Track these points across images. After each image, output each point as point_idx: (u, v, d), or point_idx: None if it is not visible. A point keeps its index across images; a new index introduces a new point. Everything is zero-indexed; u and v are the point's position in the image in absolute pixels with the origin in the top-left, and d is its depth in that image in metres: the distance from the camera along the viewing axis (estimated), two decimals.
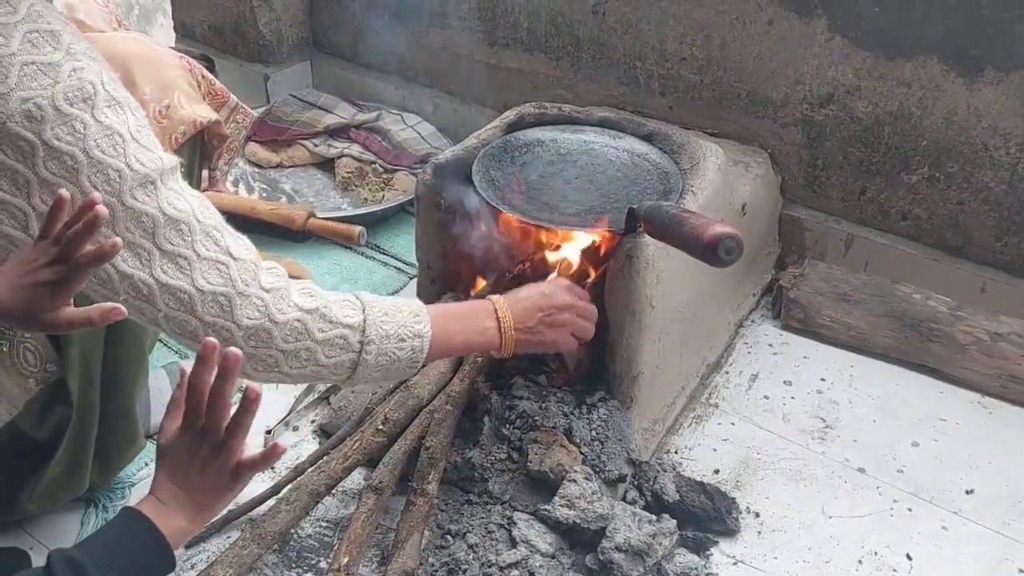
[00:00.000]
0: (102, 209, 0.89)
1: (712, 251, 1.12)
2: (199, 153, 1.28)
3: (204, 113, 1.22)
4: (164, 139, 1.16)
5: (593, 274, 1.57)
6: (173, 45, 2.61)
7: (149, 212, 0.97)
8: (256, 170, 2.22)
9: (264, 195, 2.16)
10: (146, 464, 1.47)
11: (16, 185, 0.93)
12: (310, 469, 1.33)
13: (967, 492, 1.48)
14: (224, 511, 1.35)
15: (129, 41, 1.22)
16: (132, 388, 1.32)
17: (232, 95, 1.36)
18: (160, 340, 1.71)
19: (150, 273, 0.98)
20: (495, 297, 1.26)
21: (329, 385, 1.62)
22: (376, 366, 1.12)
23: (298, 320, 1.06)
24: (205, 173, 1.39)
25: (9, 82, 0.91)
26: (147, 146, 0.98)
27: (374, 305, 1.12)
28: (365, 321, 1.10)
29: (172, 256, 0.99)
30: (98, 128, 0.95)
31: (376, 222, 2.07)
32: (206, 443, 0.94)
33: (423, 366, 1.18)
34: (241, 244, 1.04)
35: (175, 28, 2.70)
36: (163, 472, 0.95)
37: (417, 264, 1.66)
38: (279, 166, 2.24)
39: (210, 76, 1.32)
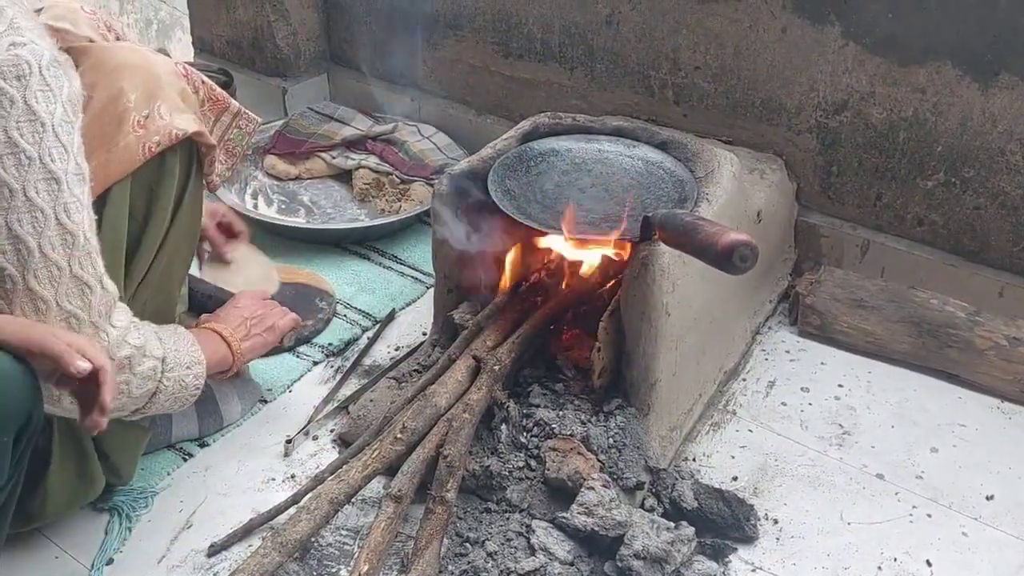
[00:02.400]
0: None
1: (727, 258, 1.12)
2: (196, 163, 1.29)
3: (182, 124, 1.21)
4: (139, 147, 1.17)
5: (609, 282, 1.58)
6: (192, 60, 2.64)
7: (44, 210, 0.99)
8: (275, 183, 2.25)
9: (283, 207, 2.18)
10: (168, 474, 1.49)
11: None
12: (330, 478, 1.34)
13: (987, 498, 1.47)
14: (246, 520, 1.38)
15: (122, 50, 1.23)
16: None
17: (234, 101, 1.36)
18: None
19: (22, 273, 1.00)
20: (212, 325, 1.42)
21: (347, 396, 1.64)
22: (169, 395, 1.22)
23: (127, 356, 1.12)
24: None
25: None
26: (64, 143, 1.00)
27: (164, 335, 1.20)
28: (164, 351, 1.19)
29: (48, 263, 1.01)
30: (24, 110, 0.96)
31: (393, 232, 2.08)
32: None
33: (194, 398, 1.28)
34: (109, 277, 1.07)
35: (193, 43, 2.73)
36: None
37: (434, 274, 1.67)
38: (297, 178, 2.26)
39: (210, 82, 1.32)
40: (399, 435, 1.36)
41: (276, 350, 1.62)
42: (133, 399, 1.18)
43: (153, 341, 1.18)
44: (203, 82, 1.31)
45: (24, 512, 1.29)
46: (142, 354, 1.16)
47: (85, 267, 1.04)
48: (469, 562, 1.31)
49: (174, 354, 1.22)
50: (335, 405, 1.63)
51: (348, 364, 1.72)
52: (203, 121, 1.27)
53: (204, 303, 1.62)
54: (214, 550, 1.36)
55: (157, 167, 1.20)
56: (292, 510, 1.34)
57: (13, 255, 0.99)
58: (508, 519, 1.37)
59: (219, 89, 1.34)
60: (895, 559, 1.37)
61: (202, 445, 1.54)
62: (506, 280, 1.60)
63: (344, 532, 1.39)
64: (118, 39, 1.35)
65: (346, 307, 1.88)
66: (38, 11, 1.27)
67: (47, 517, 1.32)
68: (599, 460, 1.40)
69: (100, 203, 1.15)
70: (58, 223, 1.00)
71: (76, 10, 1.31)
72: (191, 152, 1.26)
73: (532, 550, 1.32)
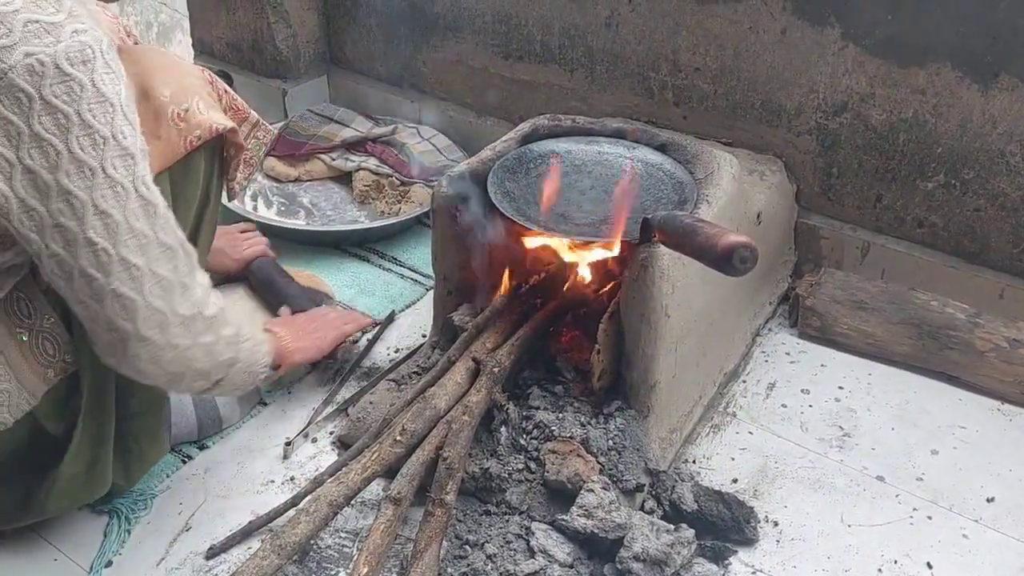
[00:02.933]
0: None
1: (726, 260, 1.12)
2: (218, 164, 1.30)
3: (221, 120, 1.24)
4: (180, 141, 1.19)
5: (608, 284, 1.58)
6: (193, 62, 2.65)
7: (125, 185, 1.05)
8: (274, 184, 2.25)
9: (282, 209, 2.18)
10: (167, 476, 1.49)
11: (7, 136, 0.99)
12: (329, 480, 1.34)
13: (988, 500, 1.47)
14: (245, 522, 1.38)
15: (150, 51, 1.26)
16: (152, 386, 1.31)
17: (253, 112, 1.38)
18: None
19: (114, 246, 1.06)
20: (266, 323, 1.50)
21: (346, 398, 1.64)
22: (244, 367, 1.27)
23: (213, 315, 1.18)
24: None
25: (13, 36, 0.98)
26: (131, 121, 1.05)
27: (232, 310, 1.27)
28: (239, 322, 1.25)
29: (136, 233, 1.07)
30: (94, 93, 1.01)
31: (393, 234, 2.08)
32: None
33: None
34: (184, 239, 1.14)
35: (193, 45, 2.73)
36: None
37: (434, 276, 1.67)
38: (297, 180, 2.26)
39: (232, 92, 1.34)
40: (398, 437, 1.35)
41: (326, 360, 1.67)
42: (218, 364, 1.22)
43: (230, 309, 1.23)
44: (225, 91, 1.33)
45: (27, 501, 1.29)
46: (224, 318, 1.21)
47: (168, 233, 1.10)
48: (468, 564, 1.31)
49: (248, 327, 1.27)
50: (334, 407, 1.62)
51: (348, 366, 1.72)
52: None
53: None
54: (213, 552, 1.36)
55: (183, 166, 1.21)
56: (291, 512, 1.34)
57: (103, 229, 1.04)
58: (507, 521, 1.37)
59: (240, 99, 1.36)
60: (895, 561, 1.37)
61: (201, 447, 1.54)
62: (506, 282, 1.60)
63: (343, 534, 1.38)
64: (136, 44, 1.37)
65: (346, 309, 1.88)
66: None
67: (47, 512, 1.31)
68: (599, 462, 1.40)
69: None
70: (138, 195, 1.06)
71: (98, 12, 1.32)
72: (214, 152, 1.28)
73: (532, 552, 1.31)
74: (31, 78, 0.99)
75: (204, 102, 1.23)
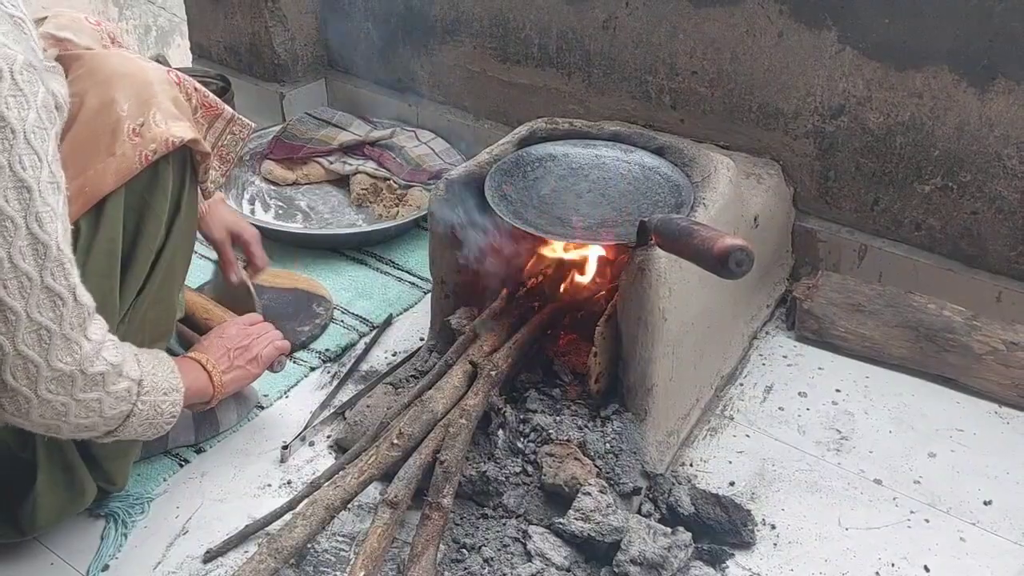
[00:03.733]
0: None
1: (722, 263, 1.12)
2: (190, 170, 1.27)
3: (178, 132, 1.19)
4: (136, 156, 1.15)
5: (606, 287, 1.58)
6: (191, 66, 2.65)
7: (15, 220, 0.96)
8: (272, 188, 2.25)
9: (280, 212, 2.18)
10: (164, 480, 1.48)
11: None
12: (326, 484, 1.34)
13: (985, 503, 1.47)
14: (242, 526, 1.37)
15: (114, 58, 1.21)
16: None
17: (227, 107, 1.35)
18: None
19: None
20: (195, 354, 1.39)
21: (343, 402, 1.64)
22: (143, 419, 1.17)
23: (101, 373, 1.08)
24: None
25: None
26: (37, 150, 0.96)
27: (143, 358, 1.18)
28: (142, 373, 1.15)
29: (18, 273, 0.97)
30: None
31: (391, 238, 2.08)
32: None
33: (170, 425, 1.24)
34: (83, 287, 1.05)
35: (191, 49, 2.74)
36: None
37: (431, 279, 1.67)
38: (295, 184, 2.26)
39: (203, 89, 1.31)
40: (395, 441, 1.35)
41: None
42: (105, 419, 1.13)
43: (131, 361, 1.14)
44: (196, 89, 1.30)
45: (14, 524, 1.29)
46: (117, 373, 1.11)
47: (57, 278, 1.01)
48: (465, 568, 1.31)
49: (151, 378, 1.18)
50: (331, 411, 1.62)
51: (345, 370, 1.72)
52: (197, 128, 1.26)
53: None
54: (210, 556, 1.35)
55: (150, 176, 1.19)
56: (288, 516, 1.34)
57: None
58: (505, 525, 1.37)
59: (211, 95, 1.33)
60: (893, 564, 1.37)
61: (198, 451, 1.54)
62: (503, 286, 1.60)
63: (340, 538, 1.38)
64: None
65: (343, 312, 1.88)
66: (41, 20, 1.28)
67: (37, 529, 1.31)
68: (596, 465, 1.39)
69: (96, 214, 1.14)
70: (29, 232, 0.97)
71: (80, 20, 1.31)
72: (185, 160, 1.25)
73: (528, 556, 1.31)
74: None
75: (163, 113, 1.18)
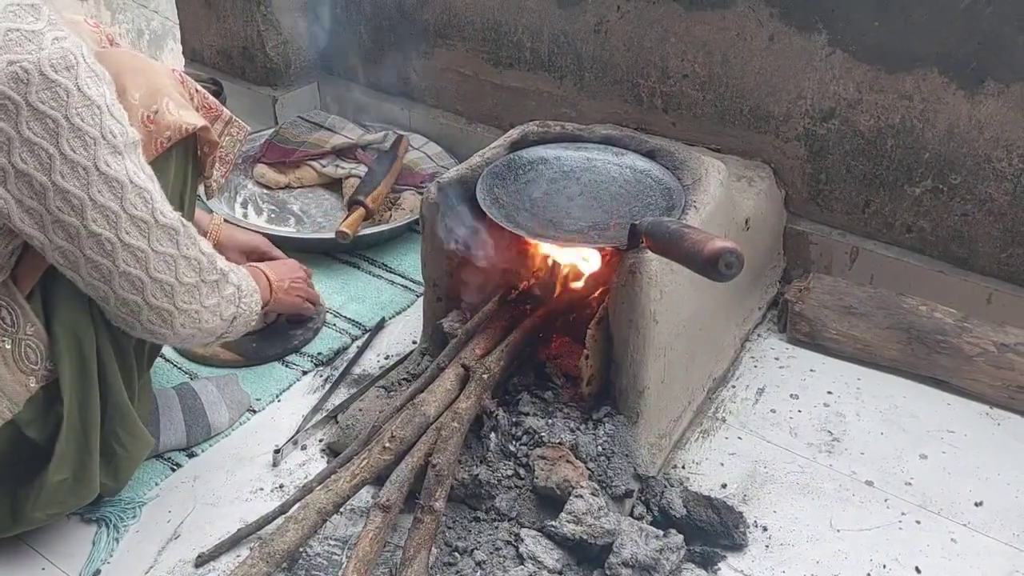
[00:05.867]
0: None
1: (712, 266, 1.12)
2: (192, 163, 1.31)
3: (191, 119, 1.25)
4: (150, 143, 1.21)
5: (597, 290, 1.59)
6: (183, 69, 2.65)
7: (119, 178, 1.11)
8: (264, 191, 2.25)
9: (273, 216, 2.18)
10: (156, 484, 1.48)
11: None
12: (318, 488, 1.34)
13: (976, 504, 1.48)
14: (234, 530, 1.37)
15: (121, 54, 1.28)
16: (124, 382, 1.31)
17: (225, 109, 1.39)
18: (170, 361, 1.73)
19: (116, 233, 1.13)
20: (259, 265, 1.62)
21: (336, 405, 1.64)
22: (244, 319, 1.35)
23: (216, 280, 1.26)
24: (202, 188, 1.42)
25: None
26: (119, 119, 1.10)
27: (232, 266, 1.34)
28: (239, 278, 1.33)
29: (135, 220, 1.13)
30: (80, 97, 1.06)
31: (383, 241, 2.08)
32: None
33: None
34: (181, 215, 1.20)
35: (184, 53, 2.73)
36: None
37: (423, 282, 1.67)
38: (287, 187, 2.26)
39: (203, 91, 1.35)
40: (388, 444, 1.35)
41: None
42: (223, 321, 1.30)
43: (232, 269, 1.32)
44: (197, 90, 1.34)
45: (13, 511, 1.28)
46: (226, 280, 1.29)
47: (165, 214, 1.17)
48: (458, 571, 1.31)
49: (246, 281, 1.35)
50: (324, 415, 1.62)
51: (337, 373, 1.72)
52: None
53: None
54: (202, 561, 1.35)
55: (157, 168, 1.21)
56: (280, 520, 1.33)
57: (103, 221, 1.11)
58: (497, 528, 1.37)
59: (211, 97, 1.37)
60: (884, 566, 1.37)
61: (190, 455, 1.54)
62: (495, 289, 1.60)
63: (332, 542, 1.38)
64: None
65: (336, 316, 1.88)
66: None
67: (36, 519, 1.30)
68: (588, 468, 1.40)
69: None
70: (133, 186, 1.12)
71: (79, 22, 1.34)
72: (187, 153, 1.29)
73: (521, 559, 1.31)
74: (16, 85, 1.02)
75: (174, 102, 1.25)
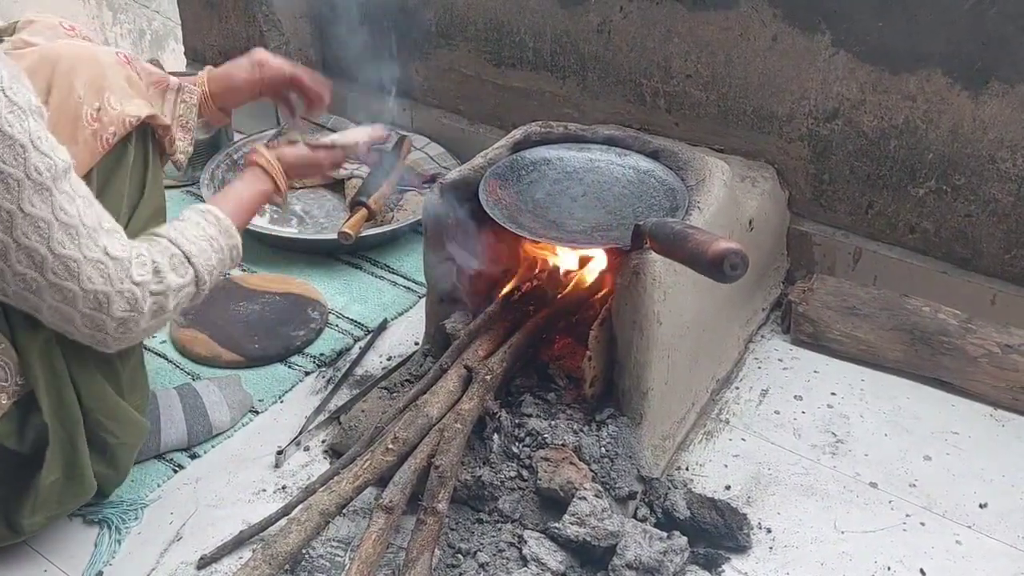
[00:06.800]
0: None
1: (717, 267, 1.12)
2: (152, 147, 1.30)
3: (133, 111, 1.24)
4: (96, 141, 1.20)
5: (601, 291, 1.58)
6: (184, 69, 2.64)
7: (45, 218, 1.06)
8: None
9: (275, 216, 2.17)
10: (159, 486, 1.48)
11: None
12: (321, 489, 1.34)
13: (980, 506, 1.47)
14: (237, 532, 1.37)
15: (65, 47, 1.25)
16: (104, 375, 1.30)
17: (172, 77, 1.37)
18: (172, 362, 1.72)
19: (40, 273, 1.08)
20: (256, 157, 1.43)
21: (338, 406, 1.64)
22: (213, 285, 1.28)
23: (155, 302, 1.18)
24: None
25: None
26: (45, 152, 1.05)
27: (193, 255, 1.23)
28: (196, 271, 1.23)
29: (63, 259, 1.09)
30: (0, 138, 1.01)
31: (386, 242, 2.08)
32: None
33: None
34: (116, 240, 1.14)
35: (186, 53, 2.73)
36: None
37: (426, 283, 1.67)
38: (290, 188, 2.25)
39: (149, 66, 1.34)
40: (390, 445, 1.35)
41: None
42: (200, 291, 1.25)
43: (178, 276, 1.21)
44: (143, 67, 1.33)
45: (9, 519, 1.28)
46: (176, 289, 1.20)
47: (93, 249, 1.11)
48: (461, 573, 1.31)
49: (206, 264, 1.24)
50: (326, 415, 1.62)
51: (340, 374, 1.72)
52: (153, 104, 1.29)
53: None
54: (204, 562, 1.35)
55: (116, 158, 1.21)
56: (283, 522, 1.33)
57: (28, 264, 1.07)
58: (500, 529, 1.37)
59: (157, 70, 1.35)
60: (889, 568, 1.37)
61: (192, 456, 1.54)
62: (498, 290, 1.60)
63: (335, 544, 1.38)
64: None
65: (338, 317, 1.87)
66: (12, 26, 1.29)
67: (36, 523, 1.30)
68: (591, 470, 1.39)
69: None
70: (59, 223, 1.07)
71: (55, 26, 1.33)
72: (145, 139, 1.28)
73: (524, 561, 1.31)
74: None
75: (116, 95, 1.23)
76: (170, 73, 1.41)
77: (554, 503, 1.37)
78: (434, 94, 2.36)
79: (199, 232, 1.25)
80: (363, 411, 1.55)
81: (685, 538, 1.33)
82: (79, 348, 1.24)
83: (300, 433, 1.58)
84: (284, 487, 1.49)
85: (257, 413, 1.63)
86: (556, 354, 1.58)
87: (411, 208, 2.14)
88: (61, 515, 1.35)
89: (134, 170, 1.27)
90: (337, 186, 2.26)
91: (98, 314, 1.13)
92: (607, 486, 1.38)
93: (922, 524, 1.44)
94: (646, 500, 1.42)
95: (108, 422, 1.31)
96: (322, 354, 1.77)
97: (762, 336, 1.84)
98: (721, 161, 1.65)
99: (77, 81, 1.20)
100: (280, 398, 1.67)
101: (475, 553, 1.33)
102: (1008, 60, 1.61)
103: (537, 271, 1.62)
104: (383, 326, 1.85)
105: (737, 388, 1.71)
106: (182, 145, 1.36)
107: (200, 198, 2.16)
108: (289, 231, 2.12)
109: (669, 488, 1.42)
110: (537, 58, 2.13)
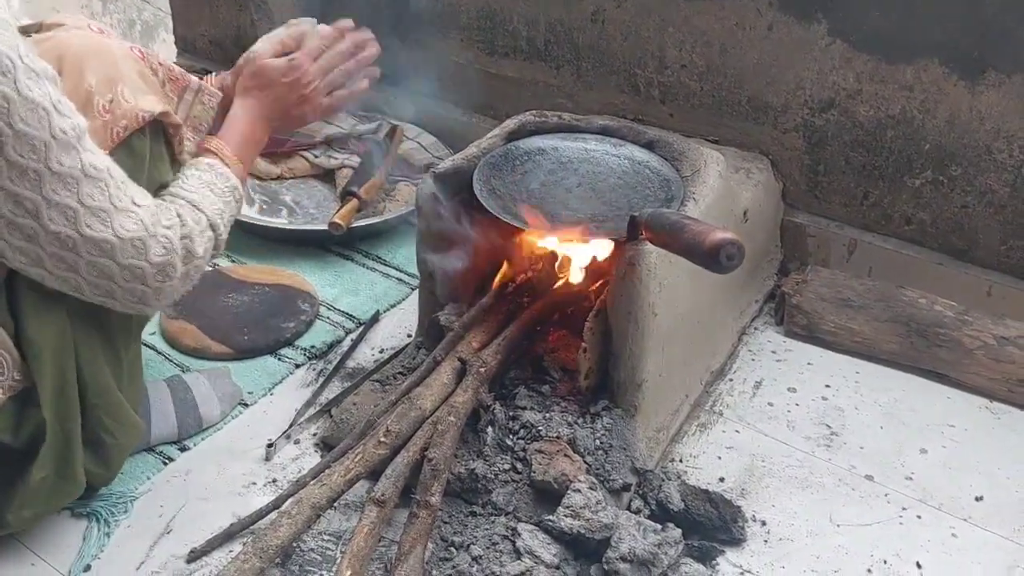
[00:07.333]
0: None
1: (713, 257, 1.11)
2: (165, 144, 1.27)
3: (147, 106, 1.20)
4: (106, 133, 1.17)
5: (596, 283, 1.57)
6: (175, 60, 2.62)
7: (74, 174, 1.07)
8: (256, 182, 2.22)
9: (264, 207, 2.15)
10: (148, 478, 1.46)
11: None
12: (312, 482, 1.32)
13: (976, 499, 1.47)
14: (227, 525, 1.35)
15: (77, 37, 1.22)
16: (108, 364, 1.29)
17: (193, 77, 1.34)
18: (162, 353, 1.71)
19: (75, 228, 1.09)
20: (209, 145, 1.35)
21: (329, 399, 1.62)
22: (231, 212, 1.31)
23: (184, 247, 1.21)
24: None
25: None
26: (66, 114, 1.06)
27: (198, 202, 1.26)
28: (207, 216, 1.25)
29: (94, 210, 1.10)
30: (22, 102, 1.01)
31: (378, 233, 2.06)
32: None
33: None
34: (142, 192, 1.17)
35: (176, 43, 2.71)
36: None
37: (419, 275, 1.65)
38: (279, 178, 2.24)
39: (167, 62, 1.31)
40: (383, 438, 1.34)
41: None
42: (207, 261, 1.27)
43: (194, 218, 1.23)
44: (160, 63, 1.29)
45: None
46: (199, 233, 1.23)
47: (123, 199, 1.13)
48: (454, 566, 1.29)
49: (217, 216, 1.27)
50: (317, 408, 1.60)
51: (331, 367, 1.70)
52: (167, 102, 1.26)
53: None
54: (194, 556, 1.33)
55: (127, 153, 1.18)
56: (273, 515, 1.32)
57: (62, 219, 1.08)
58: (493, 522, 1.36)
59: (176, 68, 1.32)
60: (885, 561, 1.36)
61: (182, 449, 1.52)
62: (492, 281, 1.59)
63: (326, 537, 1.37)
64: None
65: (329, 309, 1.86)
66: (36, 28, 1.26)
67: (24, 519, 1.28)
68: (585, 462, 1.38)
69: None
70: (87, 177, 1.08)
71: (84, 28, 1.29)
72: (158, 134, 1.25)
73: (518, 553, 1.30)
74: None
75: (130, 88, 1.20)
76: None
77: (548, 496, 1.36)
78: (426, 83, 2.34)
79: (196, 181, 1.27)
80: (355, 404, 1.54)
81: (679, 530, 1.32)
82: (90, 336, 1.23)
83: (291, 426, 1.56)
84: (274, 480, 1.47)
85: (247, 406, 1.61)
86: (551, 346, 1.56)
87: (403, 198, 2.13)
88: (49, 512, 1.33)
89: (148, 167, 1.24)
90: (327, 176, 2.25)
91: (137, 262, 1.15)
92: (601, 478, 1.37)
93: (918, 517, 1.43)
94: (640, 492, 1.41)
95: (108, 421, 1.29)
96: (313, 346, 1.75)
97: (755, 328, 1.83)
98: (716, 152, 1.64)
99: (88, 71, 1.17)
100: (270, 390, 1.65)
101: (468, 546, 1.32)
102: (1005, 50, 1.60)
103: (532, 263, 1.61)
104: (375, 318, 1.84)
105: (731, 380, 1.70)
106: (190, 146, 1.33)
107: None
108: (279, 221, 2.10)
109: (663, 480, 1.41)
110: (531, 47, 2.11)
